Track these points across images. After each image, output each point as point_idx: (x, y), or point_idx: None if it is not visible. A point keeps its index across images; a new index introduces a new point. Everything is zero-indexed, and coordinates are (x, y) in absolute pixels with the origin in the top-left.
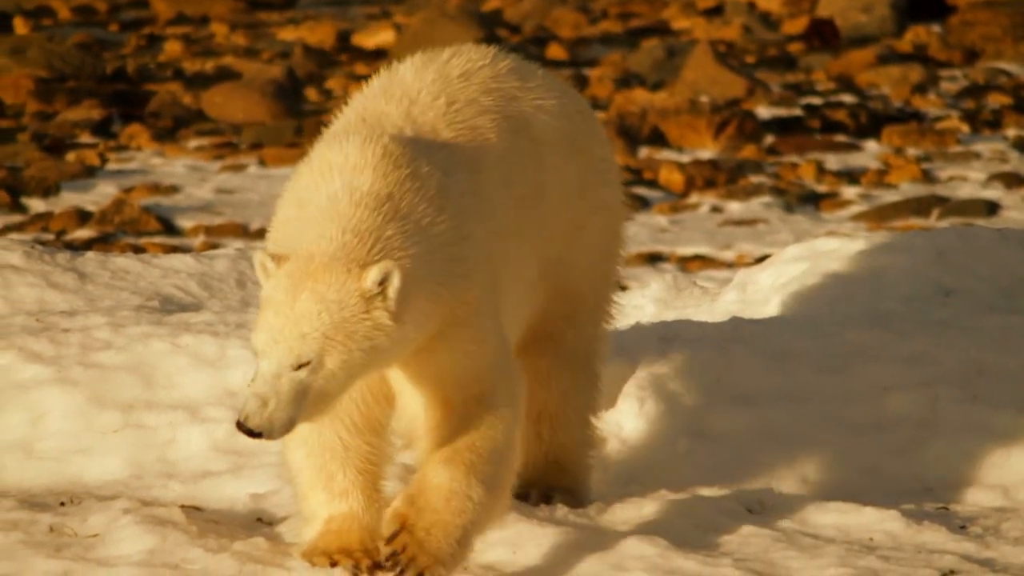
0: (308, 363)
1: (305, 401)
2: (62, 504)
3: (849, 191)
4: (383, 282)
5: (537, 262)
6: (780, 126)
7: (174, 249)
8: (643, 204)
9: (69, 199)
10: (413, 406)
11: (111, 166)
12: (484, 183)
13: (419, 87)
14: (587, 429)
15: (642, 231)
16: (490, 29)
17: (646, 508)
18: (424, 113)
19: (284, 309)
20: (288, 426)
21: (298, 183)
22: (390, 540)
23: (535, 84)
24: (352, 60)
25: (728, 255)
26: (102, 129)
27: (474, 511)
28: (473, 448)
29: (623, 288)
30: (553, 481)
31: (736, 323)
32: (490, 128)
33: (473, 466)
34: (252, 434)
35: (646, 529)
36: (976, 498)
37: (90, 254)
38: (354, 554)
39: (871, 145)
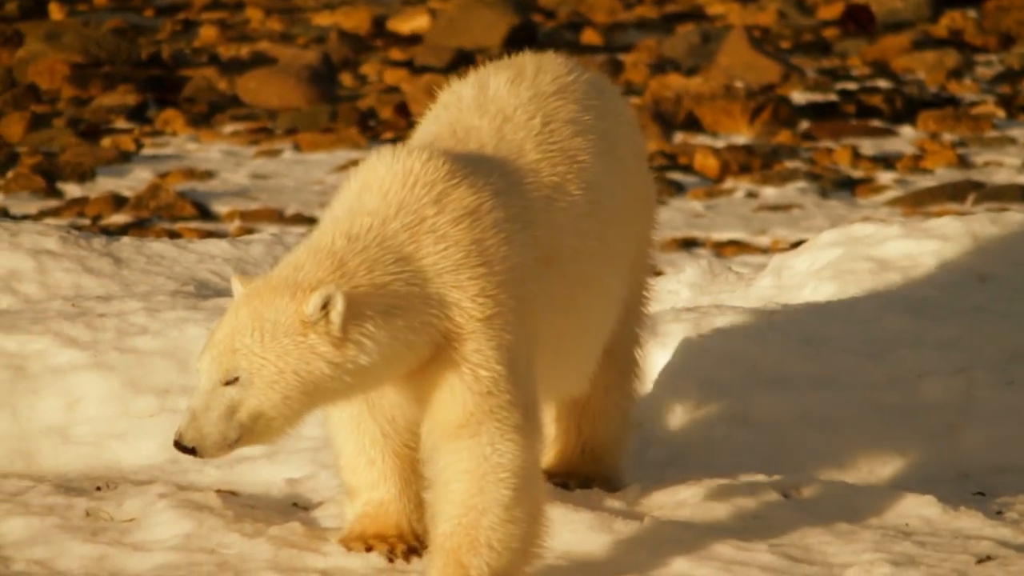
0: (237, 379)
1: (236, 419)
2: (98, 489)
3: (884, 176)
4: (325, 307)
5: (622, 280)
6: (815, 111)
7: (209, 234)
8: (678, 189)
9: (105, 184)
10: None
11: (146, 151)
12: (552, 209)
13: (515, 104)
14: (625, 421)
15: (677, 216)
16: (524, 15)
17: (682, 493)
18: (516, 132)
19: (224, 326)
20: (221, 444)
21: (334, 198)
22: None
23: (612, 98)
24: (387, 45)
25: (763, 240)
26: (137, 114)
27: None
28: (476, 544)
29: (658, 273)
30: (590, 471)
31: (771, 309)
32: (584, 149)
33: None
34: (185, 450)
35: (682, 514)
36: (1013, 483)
37: (126, 239)
38: (389, 539)
39: (906, 130)
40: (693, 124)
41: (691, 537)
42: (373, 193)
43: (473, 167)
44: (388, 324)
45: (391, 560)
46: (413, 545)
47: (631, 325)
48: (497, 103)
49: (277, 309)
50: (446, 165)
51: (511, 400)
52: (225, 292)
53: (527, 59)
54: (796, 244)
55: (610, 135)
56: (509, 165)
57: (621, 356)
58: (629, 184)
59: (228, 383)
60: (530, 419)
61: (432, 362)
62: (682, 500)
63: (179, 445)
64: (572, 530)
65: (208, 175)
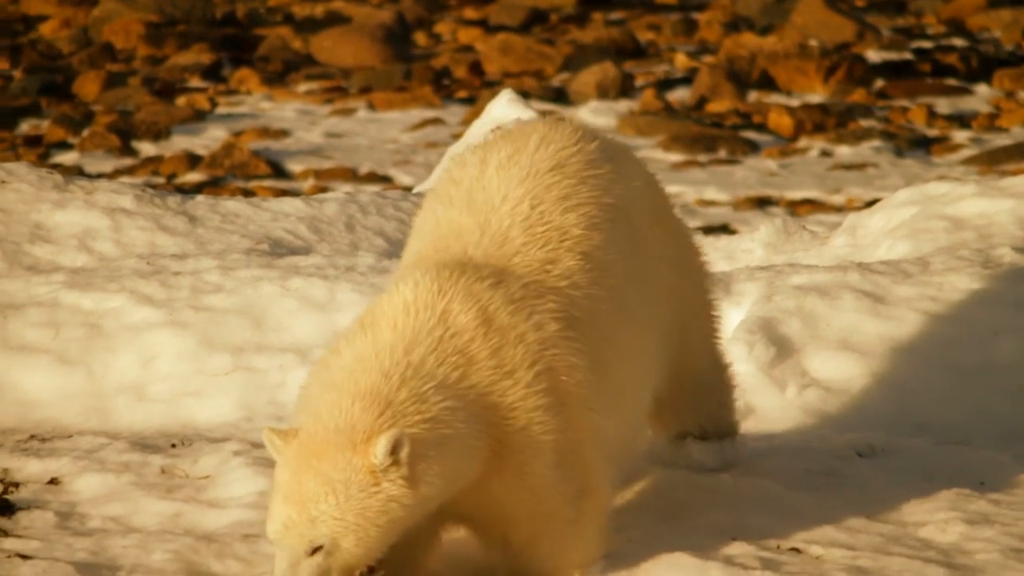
0: (321, 547)
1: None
2: (173, 446)
3: (960, 135)
4: (394, 451)
5: (655, 337)
6: (890, 70)
7: (283, 192)
8: (752, 148)
9: (179, 143)
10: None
11: (221, 110)
12: (563, 298)
13: (504, 192)
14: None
15: (751, 175)
16: None
17: (753, 447)
18: (501, 221)
19: (291, 494)
20: None
21: (346, 328)
22: None
23: (623, 164)
24: (461, 4)
25: (838, 199)
26: (212, 73)
27: None
28: None
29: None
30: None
31: (845, 267)
32: (578, 223)
33: None
34: None
35: (757, 471)
36: None
37: (200, 197)
38: None
39: (982, 89)
40: (767, 83)
41: (765, 493)
42: (383, 328)
43: (460, 271)
44: (445, 454)
45: None
46: None
47: (712, 348)
48: (485, 194)
49: (344, 466)
50: (435, 284)
51: (565, 500)
52: (299, 250)
53: (535, 129)
54: (871, 203)
55: (616, 204)
56: (492, 256)
57: (712, 376)
58: (647, 247)
59: (312, 552)
60: (588, 504)
61: (484, 479)
62: (753, 454)
63: None
64: (647, 481)
65: (282, 134)
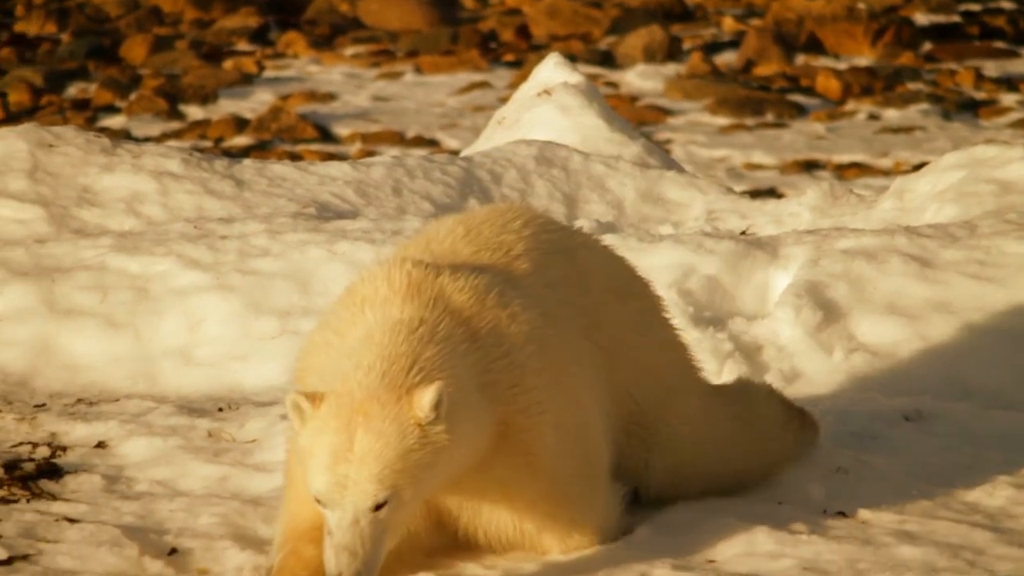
0: (386, 503)
1: (386, 539)
2: (220, 410)
3: (1008, 98)
4: (436, 405)
5: (606, 390)
6: (938, 33)
7: (331, 156)
8: (799, 112)
9: (226, 106)
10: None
11: (268, 74)
12: (530, 293)
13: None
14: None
15: (798, 139)
16: None
17: None
18: (442, 242)
19: (343, 452)
20: (378, 567)
21: (334, 316)
22: None
23: (580, 235)
24: None
25: (885, 163)
26: (259, 37)
27: None
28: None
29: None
30: None
31: (893, 231)
32: (528, 257)
33: None
34: None
35: None
36: None
37: (247, 161)
38: None
39: None
40: (815, 46)
41: (811, 457)
42: (391, 305)
43: (442, 266)
44: (468, 416)
45: None
46: None
47: (689, 409)
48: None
49: (394, 419)
50: (426, 269)
51: (573, 478)
52: (346, 214)
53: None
54: (918, 166)
55: (566, 251)
56: (472, 266)
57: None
58: (600, 301)
59: (377, 509)
60: (596, 482)
61: (491, 463)
62: None
63: None
64: None
65: (329, 97)
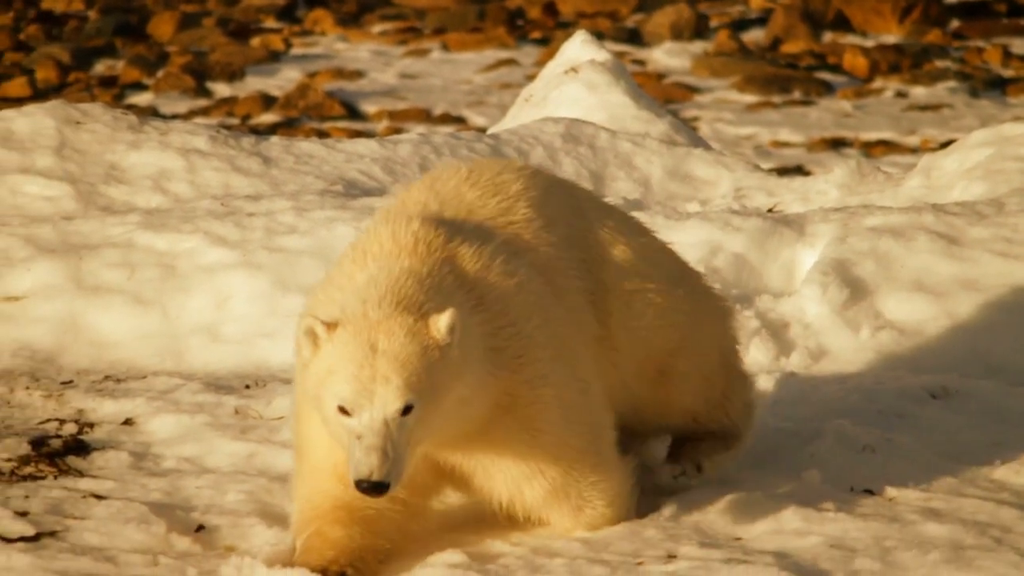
0: (412, 408)
1: (413, 445)
2: (247, 387)
3: None
4: (451, 331)
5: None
6: (966, 10)
7: (358, 134)
8: (827, 89)
9: (254, 84)
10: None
11: (295, 51)
12: (537, 257)
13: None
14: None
15: (826, 116)
16: None
17: (826, 389)
18: (447, 182)
19: (367, 360)
20: (404, 474)
21: (338, 270)
22: None
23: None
24: None
25: (912, 140)
26: (287, 14)
27: None
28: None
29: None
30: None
31: (920, 209)
32: (527, 197)
33: None
34: (379, 487)
35: (828, 410)
36: None
37: (274, 139)
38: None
39: None
40: (842, 23)
41: (838, 434)
42: (402, 255)
43: (455, 225)
44: (475, 358)
45: None
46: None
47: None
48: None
49: (416, 336)
50: (439, 228)
51: (579, 451)
52: (373, 192)
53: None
54: (946, 144)
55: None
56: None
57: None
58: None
59: (405, 412)
60: (603, 459)
61: (493, 436)
62: (826, 396)
63: (368, 485)
64: None
65: (357, 75)
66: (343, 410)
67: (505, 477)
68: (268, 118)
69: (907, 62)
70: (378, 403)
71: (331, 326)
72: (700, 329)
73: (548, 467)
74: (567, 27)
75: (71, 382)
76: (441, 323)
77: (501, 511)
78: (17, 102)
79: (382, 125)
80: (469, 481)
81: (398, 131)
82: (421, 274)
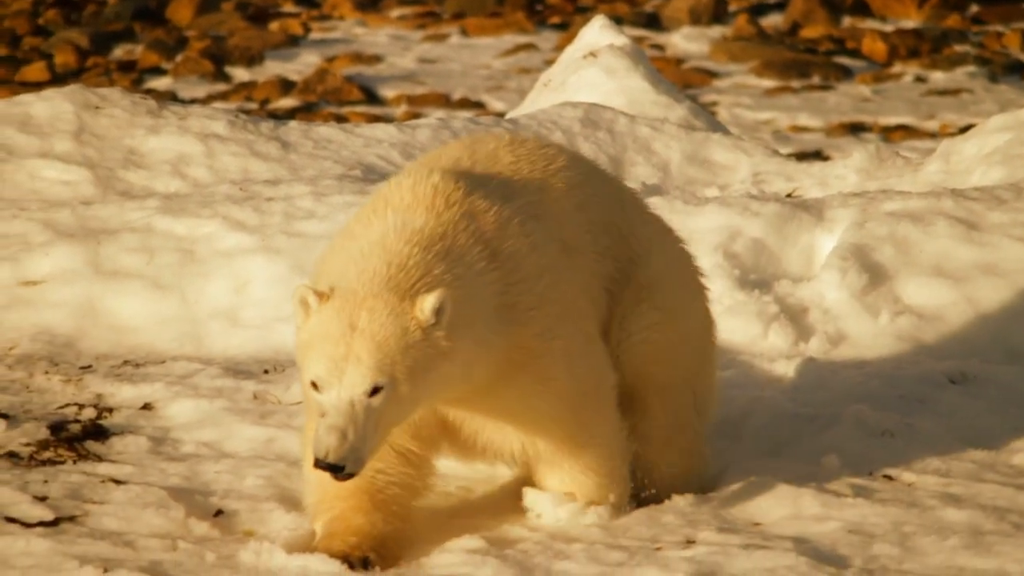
0: (381, 389)
1: (380, 429)
2: (266, 372)
3: None
4: (438, 312)
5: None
6: None
7: (376, 119)
8: (846, 74)
9: (272, 68)
10: (499, 451)
11: (314, 35)
12: (557, 222)
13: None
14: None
15: (844, 101)
16: None
17: (845, 374)
18: (487, 144)
19: (344, 338)
20: (367, 457)
21: (355, 218)
22: None
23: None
24: None
25: (931, 125)
26: None
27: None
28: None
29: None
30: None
31: (939, 194)
32: (565, 175)
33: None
34: (335, 469)
35: (847, 395)
36: None
37: (293, 123)
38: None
39: None
40: (862, 8)
41: (857, 420)
42: (417, 209)
43: (480, 180)
44: (472, 333)
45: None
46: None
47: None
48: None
49: (398, 316)
50: (461, 181)
51: (587, 402)
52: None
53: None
54: (965, 129)
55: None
56: (503, 179)
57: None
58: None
59: (373, 394)
60: (606, 408)
61: (500, 380)
62: (845, 381)
63: (325, 465)
64: (748, 415)
65: (375, 59)
66: (315, 385)
67: (516, 427)
68: (287, 103)
69: (926, 47)
70: (346, 383)
71: (323, 296)
72: (681, 365)
73: (559, 412)
74: (586, 12)
75: (90, 367)
76: (427, 304)
77: (515, 461)
78: (36, 86)
79: (401, 110)
80: (478, 437)
81: (417, 116)
82: (433, 234)
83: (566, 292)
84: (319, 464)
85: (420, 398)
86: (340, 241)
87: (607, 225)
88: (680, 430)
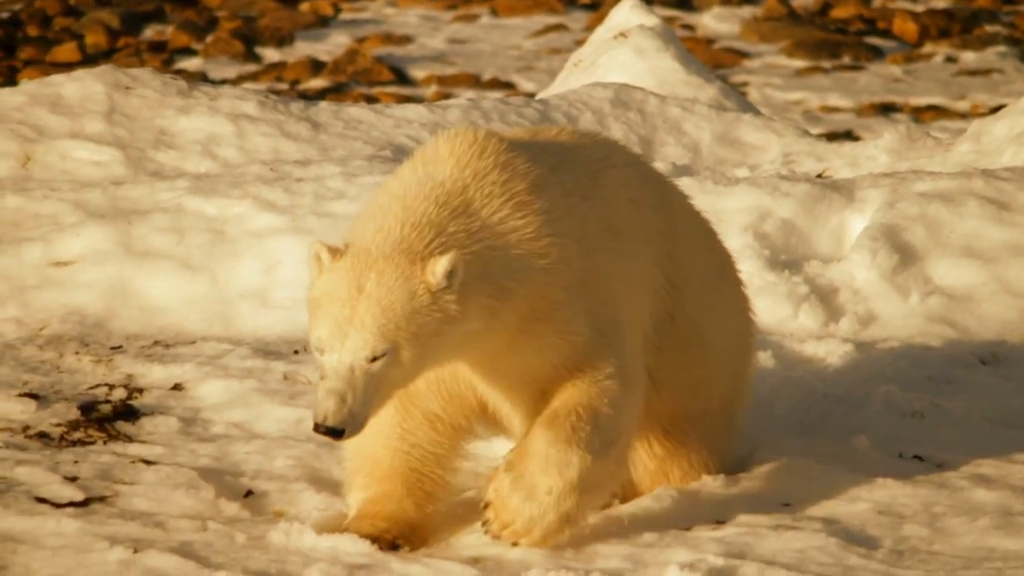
0: (383, 355)
1: (380, 394)
2: (295, 352)
3: None
4: (450, 275)
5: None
6: None
7: (406, 99)
8: (876, 54)
9: (303, 49)
10: (515, 408)
11: (344, 16)
12: (600, 207)
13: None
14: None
15: (875, 81)
16: None
17: (875, 355)
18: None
19: (351, 301)
20: (365, 422)
21: (395, 174)
22: (485, 507)
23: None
24: None
25: (962, 105)
26: None
27: (575, 479)
28: (574, 413)
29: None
30: None
31: (970, 174)
32: (620, 172)
33: (574, 431)
34: (333, 433)
35: (877, 376)
36: None
37: (323, 104)
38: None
39: None
40: None
41: (887, 400)
42: (445, 160)
43: (526, 145)
44: (496, 291)
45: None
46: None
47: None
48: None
49: (406, 280)
50: (504, 140)
51: (604, 355)
52: None
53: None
54: (995, 109)
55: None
56: (554, 146)
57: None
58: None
59: (374, 360)
60: (625, 370)
61: (521, 332)
62: (875, 361)
63: (324, 428)
64: (779, 396)
65: (405, 40)
66: (318, 348)
67: (531, 386)
68: (317, 83)
69: (957, 27)
70: (348, 347)
71: (336, 254)
72: (716, 395)
73: (574, 367)
74: None
75: (120, 347)
76: (439, 268)
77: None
78: (67, 67)
79: (431, 90)
80: (499, 409)
81: (447, 96)
82: (454, 189)
83: (604, 269)
84: (318, 428)
85: (425, 363)
86: (374, 194)
87: (658, 234)
88: (712, 455)
